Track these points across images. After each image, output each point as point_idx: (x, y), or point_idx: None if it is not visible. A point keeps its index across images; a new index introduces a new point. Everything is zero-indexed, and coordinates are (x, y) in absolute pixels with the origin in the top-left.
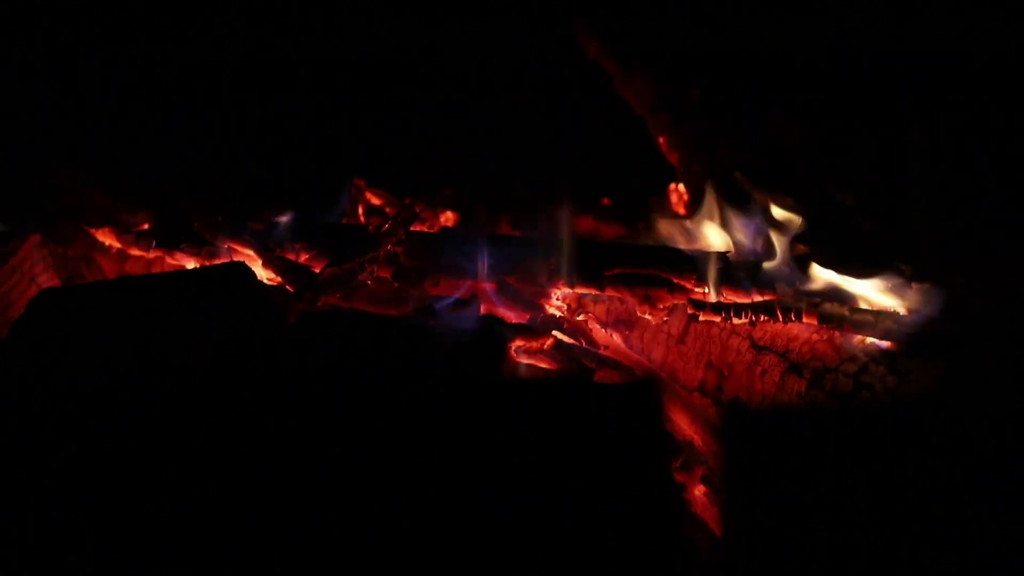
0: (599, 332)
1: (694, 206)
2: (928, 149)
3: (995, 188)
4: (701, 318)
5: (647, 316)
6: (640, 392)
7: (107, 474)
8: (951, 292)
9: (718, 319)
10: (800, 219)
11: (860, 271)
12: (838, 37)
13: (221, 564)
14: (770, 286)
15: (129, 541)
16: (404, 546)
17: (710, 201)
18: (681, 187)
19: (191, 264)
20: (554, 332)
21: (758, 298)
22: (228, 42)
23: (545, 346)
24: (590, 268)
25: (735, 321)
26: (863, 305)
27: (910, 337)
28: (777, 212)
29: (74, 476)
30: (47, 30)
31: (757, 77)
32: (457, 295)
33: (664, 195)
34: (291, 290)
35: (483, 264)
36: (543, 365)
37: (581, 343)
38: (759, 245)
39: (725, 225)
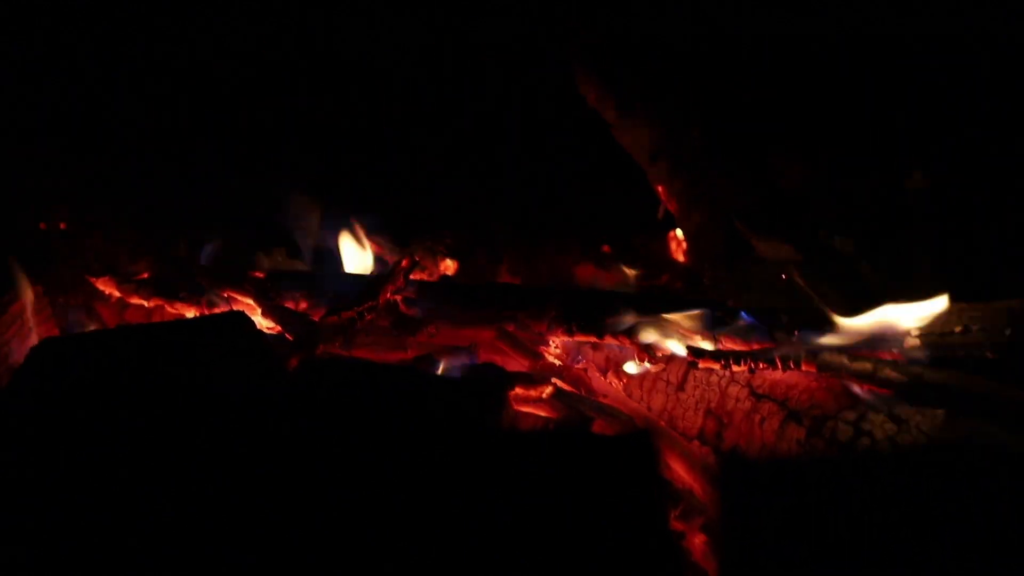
0: (598, 380)
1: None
2: (928, 191)
3: (995, 231)
4: (700, 366)
5: (645, 364)
6: (637, 443)
7: (108, 521)
8: (950, 336)
9: (717, 367)
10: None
11: (859, 316)
12: (836, 79)
13: None
14: (768, 335)
15: None
16: None
17: None
18: (680, 234)
19: (191, 313)
20: (553, 380)
21: (756, 346)
22: (225, 90)
23: (544, 394)
24: (590, 316)
25: (734, 369)
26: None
27: (909, 384)
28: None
29: (75, 522)
30: (47, 76)
31: (755, 121)
32: (456, 343)
33: (664, 242)
34: (290, 339)
35: None
36: (542, 413)
37: (580, 391)
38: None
39: None
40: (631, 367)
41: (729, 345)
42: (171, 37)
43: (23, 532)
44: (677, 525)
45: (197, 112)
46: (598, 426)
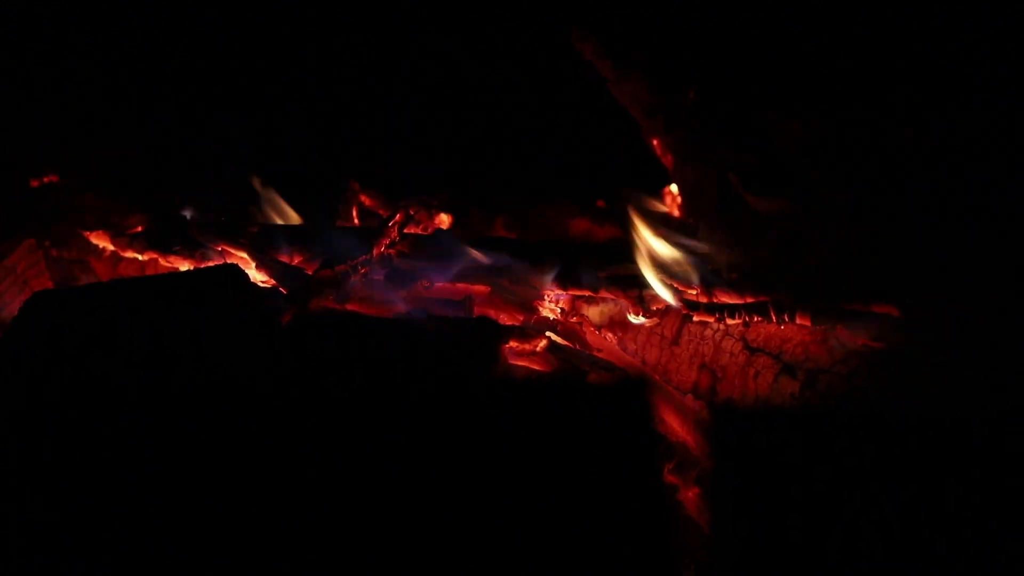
0: (593, 334)
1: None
2: (922, 149)
3: (990, 191)
4: (695, 319)
5: (640, 318)
6: (629, 391)
7: (100, 473)
8: (943, 292)
9: (712, 320)
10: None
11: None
12: (834, 36)
13: (215, 565)
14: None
15: (121, 540)
16: (398, 547)
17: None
18: (675, 189)
19: (185, 266)
20: (548, 334)
21: (751, 299)
22: (225, 45)
23: (538, 348)
24: (584, 270)
25: (729, 322)
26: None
27: (903, 338)
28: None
29: (67, 475)
30: (41, 33)
31: (751, 78)
32: (450, 297)
33: (658, 197)
34: (284, 292)
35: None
36: (536, 367)
37: (575, 345)
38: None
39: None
40: (626, 320)
41: (723, 298)
42: None
43: (15, 485)
44: (671, 478)
45: (189, 67)
46: (592, 379)
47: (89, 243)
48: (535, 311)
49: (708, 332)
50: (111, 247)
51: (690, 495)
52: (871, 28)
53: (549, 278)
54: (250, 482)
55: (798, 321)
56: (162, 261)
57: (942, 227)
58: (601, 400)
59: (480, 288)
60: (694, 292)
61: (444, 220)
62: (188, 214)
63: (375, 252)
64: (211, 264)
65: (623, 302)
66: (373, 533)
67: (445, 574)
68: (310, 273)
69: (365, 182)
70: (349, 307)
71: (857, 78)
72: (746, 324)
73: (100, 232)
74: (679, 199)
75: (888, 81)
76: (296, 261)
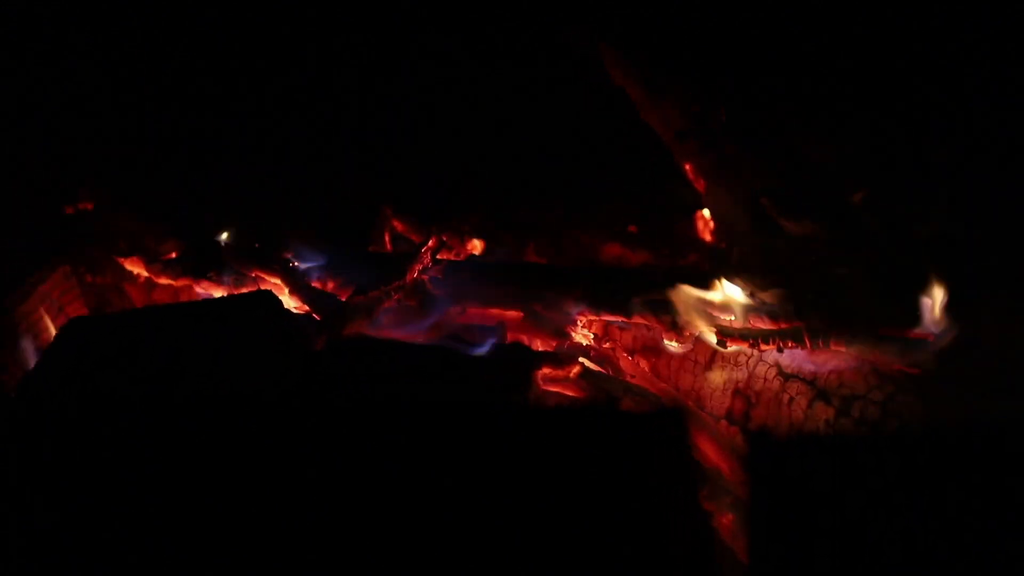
0: (626, 360)
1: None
2: (958, 170)
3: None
4: (729, 346)
5: (674, 344)
6: (667, 420)
7: (136, 497)
8: (980, 318)
9: (746, 346)
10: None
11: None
12: (863, 55)
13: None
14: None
15: (155, 557)
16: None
17: None
18: (707, 213)
19: (219, 293)
20: (581, 360)
21: (785, 325)
22: (259, 72)
23: (572, 374)
24: (617, 295)
25: (762, 348)
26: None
27: (938, 363)
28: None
29: (102, 499)
30: (75, 55)
31: (782, 100)
32: (484, 322)
33: (691, 221)
34: (318, 318)
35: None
36: (570, 393)
37: (608, 371)
38: None
39: None
40: (659, 345)
41: (757, 324)
42: (193, 15)
43: (46, 505)
44: (706, 505)
45: (222, 93)
46: (626, 405)
47: (123, 269)
48: (568, 337)
49: (742, 358)
50: (145, 273)
51: (724, 521)
52: (904, 42)
53: (582, 304)
54: (281, 510)
55: (832, 347)
56: (196, 287)
57: (981, 250)
58: (635, 427)
59: (513, 314)
60: (728, 319)
61: (476, 245)
62: (222, 240)
63: (408, 278)
64: (245, 290)
65: (656, 328)
66: (398, 563)
67: None
68: (343, 299)
69: (397, 207)
70: (383, 333)
71: (889, 93)
72: (780, 350)
73: (134, 258)
74: (711, 223)
75: (922, 97)
76: (329, 287)
